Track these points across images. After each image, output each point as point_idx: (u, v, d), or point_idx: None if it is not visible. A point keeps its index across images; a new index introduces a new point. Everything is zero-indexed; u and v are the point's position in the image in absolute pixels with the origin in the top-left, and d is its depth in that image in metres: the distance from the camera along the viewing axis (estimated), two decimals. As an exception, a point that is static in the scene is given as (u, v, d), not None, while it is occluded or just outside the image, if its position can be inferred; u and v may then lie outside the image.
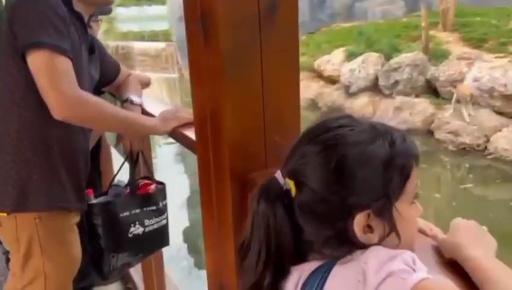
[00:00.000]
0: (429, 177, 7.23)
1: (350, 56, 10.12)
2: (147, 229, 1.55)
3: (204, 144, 0.94)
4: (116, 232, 1.51)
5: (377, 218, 0.61)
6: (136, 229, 1.53)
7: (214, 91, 0.88)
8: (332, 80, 10.28)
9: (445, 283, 0.59)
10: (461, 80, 8.11)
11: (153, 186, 1.61)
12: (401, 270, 0.55)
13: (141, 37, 17.51)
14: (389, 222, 0.61)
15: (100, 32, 2.37)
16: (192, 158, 1.07)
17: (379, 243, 0.62)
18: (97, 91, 1.63)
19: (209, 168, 0.93)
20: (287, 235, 0.65)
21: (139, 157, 1.65)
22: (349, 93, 9.63)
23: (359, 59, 9.74)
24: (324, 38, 11.98)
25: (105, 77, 1.64)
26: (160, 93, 12.80)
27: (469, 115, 7.60)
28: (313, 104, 9.95)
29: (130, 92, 1.61)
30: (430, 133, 8.06)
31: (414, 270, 0.56)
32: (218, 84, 0.85)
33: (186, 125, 1.32)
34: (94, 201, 1.53)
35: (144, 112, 1.59)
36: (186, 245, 4.83)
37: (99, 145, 1.96)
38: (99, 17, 2.26)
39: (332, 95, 9.98)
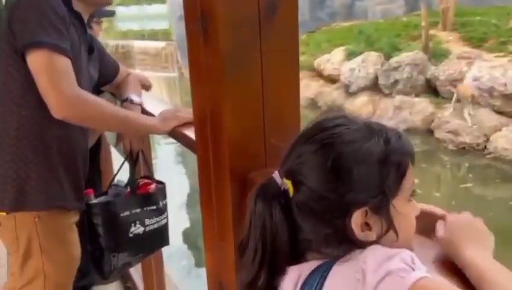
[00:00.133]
0: (429, 176, 7.24)
1: (350, 55, 10.11)
2: (147, 229, 1.55)
3: (204, 144, 0.94)
4: (117, 231, 1.51)
5: (374, 215, 0.62)
6: (137, 229, 1.53)
7: (213, 91, 0.88)
8: (332, 79, 10.28)
9: (444, 282, 0.59)
10: (461, 79, 8.11)
11: (153, 186, 1.61)
12: (400, 269, 0.56)
13: (141, 36, 17.51)
14: (387, 218, 0.62)
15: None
16: (193, 158, 1.07)
17: (377, 241, 0.62)
18: (96, 90, 1.63)
19: (208, 167, 0.94)
20: (283, 236, 0.65)
21: (139, 157, 1.65)
22: (349, 93, 9.63)
23: (359, 58, 9.74)
24: (324, 38, 11.97)
25: (104, 76, 1.64)
26: (160, 92, 12.80)
27: (469, 114, 7.60)
28: (313, 104, 9.95)
29: (129, 92, 1.61)
30: (430, 132, 8.06)
31: (413, 269, 0.56)
32: (218, 84, 0.85)
33: (186, 125, 1.32)
34: (94, 201, 1.53)
35: (144, 112, 1.59)
36: (186, 244, 4.83)
37: (98, 145, 1.96)
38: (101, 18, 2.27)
39: (332, 94, 9.98)
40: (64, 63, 1.23)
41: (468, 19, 10.32)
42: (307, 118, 0.77)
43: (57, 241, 1.39)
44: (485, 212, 5.76)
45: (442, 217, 0.72)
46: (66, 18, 1.27)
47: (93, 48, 1.48)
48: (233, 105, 0.85)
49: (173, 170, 6.81)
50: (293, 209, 0.65)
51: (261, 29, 0.82)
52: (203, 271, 1.09)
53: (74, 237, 1.45)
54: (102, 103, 1.34)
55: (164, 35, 16.72)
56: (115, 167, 1.88)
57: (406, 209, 0.65)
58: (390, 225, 0.62)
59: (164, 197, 1.63)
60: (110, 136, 2.19)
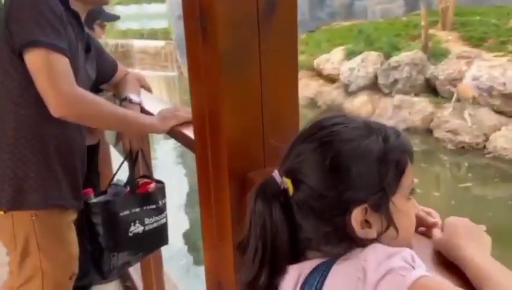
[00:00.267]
0: (428, 176, 7.23)
1: (349, 55, 10.11)
2: (147, 228, 1.55)
3: (203, 143, 0.94)
4: (116, 231, 1.51)
5: (374, 213, 0.62)
6: (136, 228, 1.53)
7: (212, 90, 0.88)
8: (331, 79, 10.28)
9: (444, 281, 0.59)
10: (460, 79, 8.10)
11: (152, 185, 1.61)
12: (400, 267, 0.56)
13: (140, 35, 17.48)
14: (386, 216, 0.62)
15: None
16: (192, 157, 1.07)
17: (377, 238, 0.62)
18: (95, 89, 1.63)
19: (207, 167, 0.94)
20: (283, 235, 0.65)
21: (138, 156, 1.65)
22: (349, 92, 9.62)
23: (358, 58, 9.73)
24: (324, 37, 11.96)
25: (102, 75, 1.64)
26: (159, 91, 12.79)
27: (469, 114, 7.60)
28: (312, 103, 9.95)
29: (128, 91, 1.61)
30: (429, 132, 8.06)
31: (413, 267, 0.56)
32: (216, 83, 0.85)
33: (185, 124, 1.32)
34: (94, 200, 1.54)
35: (143, 111, 1.59)
36: (185, 244, 4.83)
37: (97, 145, 1.96)
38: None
39: (331, 94, 9.98)
40: (62, 62, 1.23)
41: (467, 18, 10.32)
42: (306, 117, 0.77)
43: (55, 240, 1.40)
44: (485, 212, 5.76)
45: (433, 225, 0.72)
46: (63, 17, 1.27)
47: (90, 46, 1.48)
48: (232, 104, 0.85)
49: (173, 169, 6.80)
50: (293, 208, 0.65)
51: (259, 29, 0.82)
52: (201, 270, 1.09)
53: (72, 235, 1.45)
54: (101, 102, 1.34)
55: (163, 34, 16.70)
56: (114, 167, 1.88)
57: (405, 207, 0.65)
58: (390, 222, 0.63)
59: (163, 196, 1.63)
60: (109, 136, 2.18)
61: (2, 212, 1.33)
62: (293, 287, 0.66)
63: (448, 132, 7.72)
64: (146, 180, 1.64)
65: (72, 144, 1.40)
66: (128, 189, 1.59)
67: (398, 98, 8.68)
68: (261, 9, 0.81)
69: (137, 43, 15.77)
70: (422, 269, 0.57)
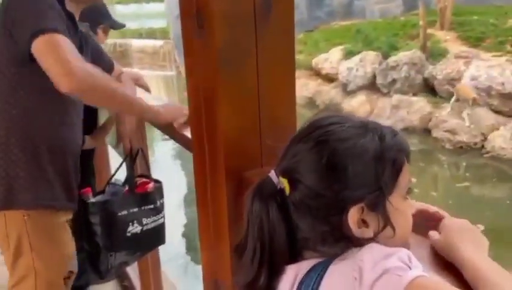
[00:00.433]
0: (426, 175, 7.24)
1: (348, 54, 10.10)
2: (145, 228, 1.55)
3: (199, 142, 0.94)
4: (114, 231, 1.51)
5: (371, 212, 0.62)
6: (134, 228, 1.53)
7: (209, 89, 0.87)
8: (330, 78, 10.27)
9: (440, 281, 0.59)
10: (459, 79, 8.11)
11: (151, 185, 1.61)
12: (396, 267, 0.56)
13: (139, 34, 17.46)
14: (383, 215, 0.62)
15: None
16: (191, 157, 1.07)
17: (374, 238, 0.62)
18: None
19: (204, 166, 0.93)
20: (281, 234, 0.65)
21: (137, 156, 1.65)
22: (347, 92, 9.62)
23: (357, 57, 9.73)
24: (322, 37, 11.96)
25: None
26: (158, 91, 12.78)
27: (467, 114, 7.61)
28: (311, 102, 9.94)
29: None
30: (428, 131, 8.06)
31: (410, 267, 0.56)
32: (213, 82, 0.85)
33: (184, 126, 1.30)
34: (92, 200, 1.53)
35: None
36: (184, 243, 4.83)
37: (92, 149, 1.94)
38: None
39: (330, 93, 9.98)
40: (67, 42, 1.21)
41: (466, 18, 10.33)
42: (304, 117, 0.77)
43: (48, 240, 1.39)
44: (482, 212, 5.77)
45: (436, 214, 0.73)
46: (62, 15, 1.28)
47: (83, 47, 1.47)
48: (229, 103, 0.85)
49: (172, 169, 6.79)
50: (290, 208, 0.65)
51: (256, 27, 0.81)
52: (200, 269, 1.09)
53: (66, 235, 1.44)
54: (110, 78, 1.34)
55: (162, 33, 16.68)
56: (112, 167, 1.88)
57: (402, 206, 0.65)
58: (387, 221, 0.62)
59: (161, 196, 1.63)
60: (109, 138, 2.18)
61: None
62: (290, 287, 0.66)
63: (446, 131, 7.73)
64: (144, 179, 1.64)
65: (64, 145, 1.39)
66: (126, 188, 1.59)
67: (396, 97, 8.68)
68: (257, 7, 0.81)
69: (136, 43, 15.75)
70: (419, 269, 0.56)
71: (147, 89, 1.79)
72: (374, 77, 9.37)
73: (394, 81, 8.99)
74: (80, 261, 1.52)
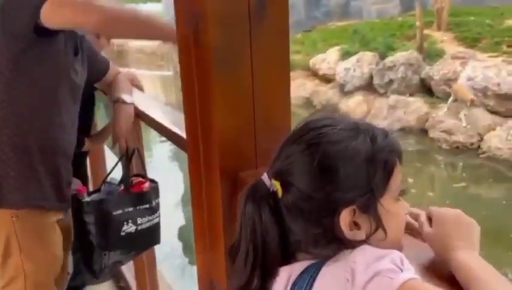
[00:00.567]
0: (423, 175, 7.26)
1: (345, 55, 10.12)
2: (140, 228, 1.55)
3: (194, 142, 0.94)
4: (109, 230, 1.50)
5: (362, 214, 0.62)
6: (129, 228, 1.52)
7: (204, 89, 0.87)
8: (327, 79, 10.29)
9: (431, 285, 0.59)
10: (455, 79, 8.13)
11: (146, 185, 1.61)
12: (388, 270, 0.56)
13: (136, 34, 17.43)
14: (375, 217, 0.62)
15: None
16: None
17: (366, 240, 0.62)
18: (89, 88, 1.63)
19: (199, 167, 0.93)
20: (273, 237, 0.65)
21: (133, 155, 1.65)
22: (344, 92, 9.64)
23: (354, 58, 9.75)
24: (319, 37, 11.97)
25: (96, 73, 1.63)
26: (155, 90, 12.76)
27: (464, 114, 7.63)
28: (308, 103, 9.95)
29: (121, 92, 1.61)
30: (424, 132, 8.08)
31: (402, 270, 0.56)
32: (208, 82, 0.85)
33: None
34: (87, 199, 1.53)
35: (136, 111, 1.59)
36: (181, 243, 4.83)
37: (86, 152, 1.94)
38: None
39: (327, 94, 9.99)
40: None
41: (462, 19, 10.36)
42: (301, 117, 0.77)
43: (37, 241, 1.38)
44: (479, 212, 5.78)
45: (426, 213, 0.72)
46: None
47: (78, 50, 1.47)
48: (224, 103, 0.85)
49: (170, 170, 6.79)
50: (282, 211, 0.65)
51: (251, 28, 0.81)
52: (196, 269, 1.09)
53: (55, 236, 1.43)
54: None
55: (159, 33, 16.68)
56: (108, 167, 1.88)
57: (394, 208, 0.65)
58: (378, 224, 0.62)
59: (157, 196, 1.63)
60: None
61: None
62: (283, 288, 0.66)
63: (443, 131, 7.75)
64: (140, 179, 1.64)
65: (56, 145, 1.39)
66: (122, 187, 1.59)
67: (393, 98, 8.70)
68: (252, 7, 0.81)
69: (133, 43, 15.72)
70: (411, 271, 0.56)
71: (141, 89, 1.79)
72: (371, 77, 9.39)
73: (391, 81, 9.01)
74: (75, 261, 1.52)
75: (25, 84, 1.30)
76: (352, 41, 10.56)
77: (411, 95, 8.76)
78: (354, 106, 9.11)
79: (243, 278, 0.67)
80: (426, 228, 0.69)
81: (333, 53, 10.46)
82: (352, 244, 0.61)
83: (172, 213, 5.10)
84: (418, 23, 9.56)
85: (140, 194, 1.57)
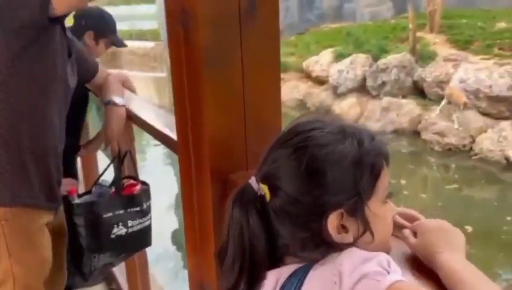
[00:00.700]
0: (416, 177, 7.29)
1: (338, 57, 10.16)
2: (130, 230, 1.54)
3: (185, 144, 0.93)
4: (99, 232, 1.49)
5: (350, 218, 0.62)
6: (119, 230, 1.51)
7: (194, 89, 0.87)
8: (320, 81, 10.32)
9: (418, 286, 0.59)
10: (447, 82, 8.18)
11: (138, 187, 1.60)
12: (375, 272, 0.56)
13: (129, 35, 17.39)
14: (362, 220, 0.62)
15: None
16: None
17: (354, 243, 0.62)
18: (80, 89, 1.62)
19: (190, 168, 0.93)
20: (261, 241, 0.65)
21: (125, 158, 1.64)
22: (337, 94, 9.67)
23: (347, 60, 9.79)
24: (313, 39, 12.01)
25: (85, 75, 1.63)
26: (148, 92, 12.73)
27: (456, 117, 7.68)
28: (302, 105, 9.98)
29: (112, 94, 1.60)
30: (417, 133, 8.13)
31: (388, 272, 0.56)
32: (198, 83, 0.85)
33: None
34: (78, 201, 1.52)
35: (128, 112, 1.58)
36: (174, 246, 4.81)
37: (74, 152, 1.92)
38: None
39: (320, 96, 10.02)
40: None
41: (454, 21, 10.44)
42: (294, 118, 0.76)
43: (26, 243, 1.37)
44: (471, 213, 5.82)
45: (414, 215, 0.72)
46: None
47: (71, 52, 1.46)
48: (214, 103, 0.84)
49: (163, 172, 6.77)
50: (270, 214, 0.65)
51: (241, 28, 0.81)
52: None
53: (44, 238, 1.42)
54: None
55: (152, 35, 16.63)
56: (100, 168, 1.87)
57: (381, 211, 0.65)
58: (366, 227, 0.62)
59: (148, 198, 1.62)
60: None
61: None
62: None
63: (435, 133, 7.79)
64: (132, 181, 1.63)
65: (46, 144, 1.38)
66: (113, 190, 1.58)
67: (386, 100, 8.74)
68: (242, 7, 0.80)
69: (127, 44, 15.68)
70: (398, 273, 0.56)
71: (133, 91, 1.78)
72: (364, 79, 9.43)
73: (384, 83, 9.05)
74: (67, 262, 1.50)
75: (25, 81, 1.29)
76: (346, 44, 10.61)
77: (404, 97, 8.80)
78: (347, 108, 9.14)
79: (231, 281, 0.67)
80: (411, 239, 0.69)
81: (326, 55, 10.50)
82: (340, 248, 0.61)
83: (165, 216, 5.08)
84: (410, 26, 9.61)
85: (131, 196, 1.56)
